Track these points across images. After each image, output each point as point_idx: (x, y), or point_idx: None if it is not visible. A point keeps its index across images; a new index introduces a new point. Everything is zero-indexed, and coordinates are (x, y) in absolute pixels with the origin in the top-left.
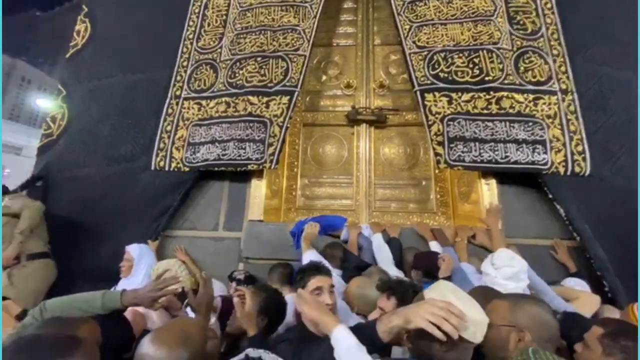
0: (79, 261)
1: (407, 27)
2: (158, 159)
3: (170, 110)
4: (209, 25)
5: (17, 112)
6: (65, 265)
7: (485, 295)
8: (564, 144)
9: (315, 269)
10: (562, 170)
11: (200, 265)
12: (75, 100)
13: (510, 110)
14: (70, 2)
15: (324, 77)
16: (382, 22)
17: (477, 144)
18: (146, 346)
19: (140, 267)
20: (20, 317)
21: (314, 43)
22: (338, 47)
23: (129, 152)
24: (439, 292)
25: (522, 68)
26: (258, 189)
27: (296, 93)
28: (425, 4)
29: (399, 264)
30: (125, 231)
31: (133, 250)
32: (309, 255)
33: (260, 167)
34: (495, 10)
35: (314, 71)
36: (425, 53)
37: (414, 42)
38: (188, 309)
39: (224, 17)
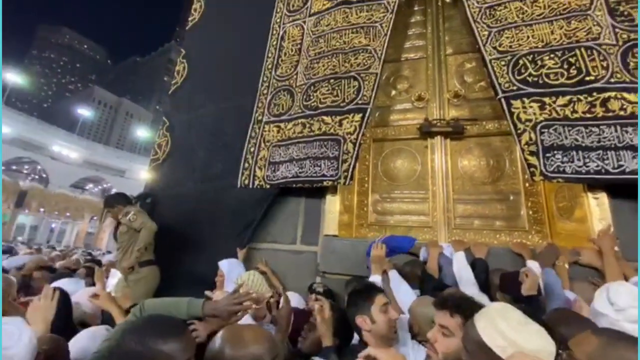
0: (179, 267)
1: (486, 33)
2: (243, 177)
3: (253, 134)
4: (285, 54)
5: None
6: (168, 270)
7: (574, 322)
8: None
9: (377, 287)
10: None
11: (281, 277)
12: (177, 129)
13: (621, 113)
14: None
15: (393, 92)
16: (453, 32)
17: (580, 152)
18: (230, 344)
19: (231, 281)
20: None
21: (384, 60)
22: (407, 61)
23: (220, 172)
24: (489, 319)
25: (631, 64)
26: (332, 204)
27: (368, 110)
28: (506, 7)
29: (484, 287)
30: (218, 241)
31: (223, 265)
32: (376, 280)
33: (335, 183)
34: (591, 4)
35: (383, 87)
36: (509, 58)
37: (494, 48)
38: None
39: (299, 45)
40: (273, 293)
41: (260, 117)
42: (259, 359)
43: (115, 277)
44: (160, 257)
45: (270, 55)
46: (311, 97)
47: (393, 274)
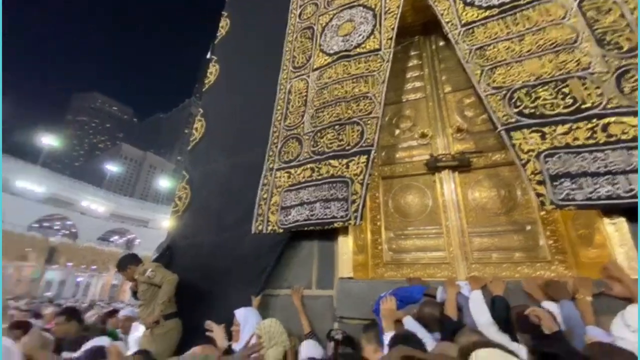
0: (197, 318)
1: (479, 71)
2: (257, 223)
3: (265, 181)
4: (292, 106)
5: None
6: (188, 321)
7: (614, 354)
8: None
9: (404, 339)
10: None
11: (299, 325)
12: (195, 183)
13: (624, 137)
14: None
15: (397, 131)
16: (450, 71)
17: (589, 178)
18: None
19: (245, 331)
20: None
21: (385, 103)
22: (408, 102)
23: (233, 222)
24: None
25: (626, 89)
26: (345, 245)
27: (372, 151)
28: (494, 47)
29: (507, 326)
30: (233, 290)
31: (239, 314)
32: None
33: (346, 223)
34: (578, 37)
35: (387, 127)
36: (504, 92)
37: (488, 85)
38: None
39: (304, 97)
40: (293, 343)
41: (271, 165)
42: None
43: (137, 331)
44: (179, 308)
45: (279, 108)
46: (318, 143)
47: (407, 321)
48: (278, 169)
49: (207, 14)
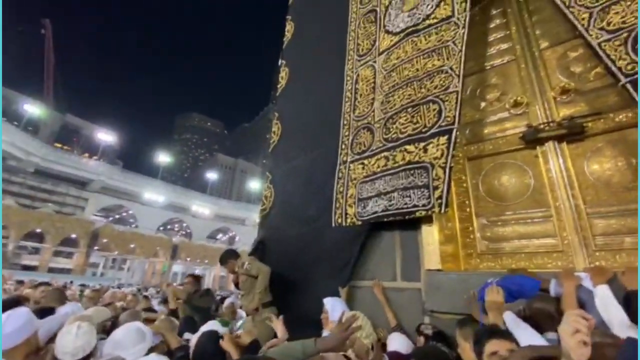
0: (289, 307)
1: (586, 15)
2: (336, 216)
3: (340, 174)
4: (361, 95)
5: (240, 194)
6: (284, 310)
7: None
8: None
9: (492, 331)
10: None
11: (383, 317)
12: (277, 182)
13: None
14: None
15: (482, 104)
16: (545, 23)
17: None
18: None
19: (335, 318)
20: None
21: (464, 75)
22: (493, 69)
23: (314, 214)
24: None
25: None
26: (430, 235)
27: (454, 130)
28: None
29: None
30: (320, 281)
31: (327, 303)
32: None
33: (429, 212)
34: None
35: (469, 101)
36: (625, 35)
37: (601, 29)
38: None
39: (372, 84)
40: (383, 334)
41: (345, 158)
42: None
43: (241, 318)
44: (274, 297)
45: (347, 99)
46: (390, 130)
47: (508, 317)
48: (352, 162)
49: (275, 21)
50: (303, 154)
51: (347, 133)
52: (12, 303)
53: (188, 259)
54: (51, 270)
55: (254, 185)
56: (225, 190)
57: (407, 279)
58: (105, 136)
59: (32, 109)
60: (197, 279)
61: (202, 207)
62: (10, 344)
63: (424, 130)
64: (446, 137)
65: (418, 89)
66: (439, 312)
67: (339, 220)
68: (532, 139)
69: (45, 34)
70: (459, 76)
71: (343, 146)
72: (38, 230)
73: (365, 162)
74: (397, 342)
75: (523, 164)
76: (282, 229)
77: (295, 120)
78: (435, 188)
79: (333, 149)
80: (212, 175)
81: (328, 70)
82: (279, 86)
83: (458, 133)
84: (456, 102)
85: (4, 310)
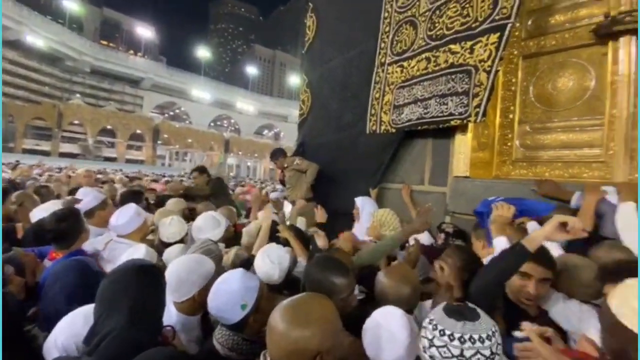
0: (326, 203)
1: None
2: (370, 123)
3: (377, 78)
4: None
5: (281, 90)
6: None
7: None
8: None
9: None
10: None
11: (408, 216)
12: (314, 84)
13: None
14: None
15: None
16: None
17: None
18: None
19: (364, 214)
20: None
21: None
22: None
23: (350, 120)
24: (623, 298)
25: None
26: (463, 144)
27: (508, 26)
28: None
29: None
30: (354, 182)
31: (358, 201)
32: (500, 243)
33: (464, 121)
34: None
35: None
36: None
37: None
38: None
39: None
40: None
41: (383, 59)
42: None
43: (287, 207)
44: (314, 196)
45: None
46: (436, 25)
47: (499, 243)
48: (390, 63)
49: None
50: (339, 54)
51: (387, 29)
52: (135, 193)
53: (240, 152)
54: (128, 161)
55: (294, 80)
56: (267, 85)
57: (434, 183)
58: (145, 31)
59: (71, 4)
60: (202, 170)
61: (246, 104)
62: (128, 230)
63: (473, 25)
64: (497, 34)
65: None
66: (459, 213)
67: (374, 128)
68: (606, 33)
69: None
70: None
71: (382, 44)
72: (108, 127)
73: (405, 64)
74: (423, 237)
75: (587, 63)
76: (320, 134)
77: (331, 15)
78: (475, 95)
79: (371, 49)
80: (252, 70)
81: None
82: None
83: (518, 25)
84: None
85: (128, 196)
